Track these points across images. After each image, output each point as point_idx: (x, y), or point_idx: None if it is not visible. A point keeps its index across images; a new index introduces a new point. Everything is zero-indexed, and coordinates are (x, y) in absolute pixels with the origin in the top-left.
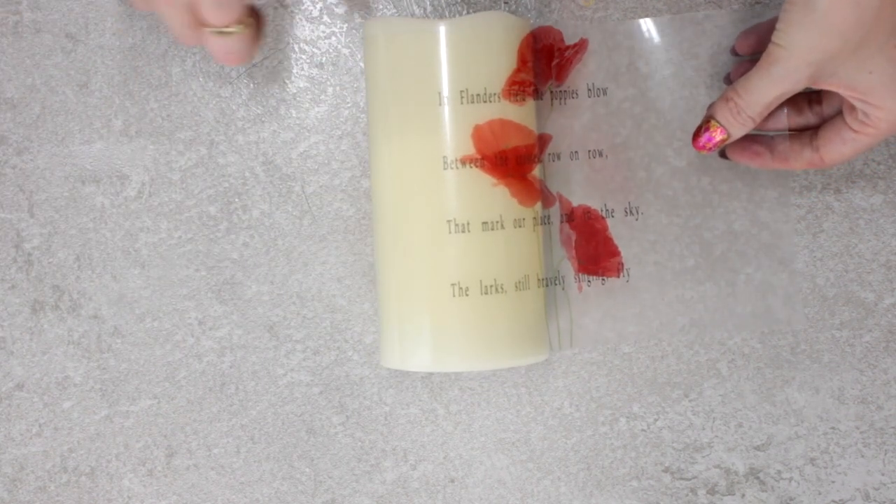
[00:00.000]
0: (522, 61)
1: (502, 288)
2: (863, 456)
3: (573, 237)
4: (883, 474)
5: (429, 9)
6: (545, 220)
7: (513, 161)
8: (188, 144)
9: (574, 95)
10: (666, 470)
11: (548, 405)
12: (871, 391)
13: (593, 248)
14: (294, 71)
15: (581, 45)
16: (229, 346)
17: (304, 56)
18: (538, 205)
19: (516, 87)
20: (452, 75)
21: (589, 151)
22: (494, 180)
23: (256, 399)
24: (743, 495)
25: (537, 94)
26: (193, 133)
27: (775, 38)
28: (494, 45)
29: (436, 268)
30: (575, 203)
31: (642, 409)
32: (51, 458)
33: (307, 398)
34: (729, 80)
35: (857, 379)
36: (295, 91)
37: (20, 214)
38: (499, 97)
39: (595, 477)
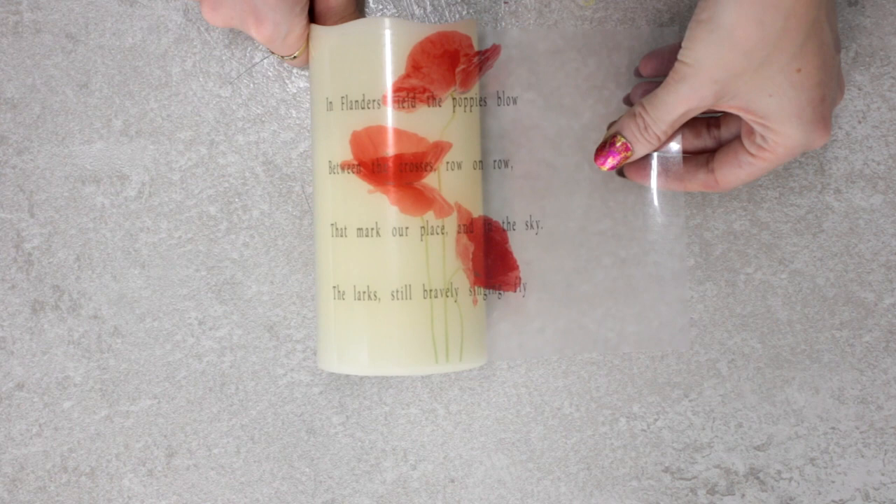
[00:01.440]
0: (414, 67)
1: (375, 295)
2: (863, 456)
3: (471, 249)
4: (883, 474)
5: (429, 9)
6: (438, 230)
7: (394, 168)
8: (188, 144)
9: (482, 103)
10: (666, 470)
11: (548, 405)
12: (871, 391)
13: (491, 261)
14: (294, 71)
15: (492, 52)
16: (229, 346)
17: None
18: (429, 214)
19: (404, 94)
20: (335, 81)
21: (494, 161)
22: (371, 187)
23: (256, 399)
24: (743, 495)
25: (434, 101)
26: (193, 133)
27: (681, 55)
28: (378, 51)
29: (323, 270)
30: (475, 214)
31: (642, 409)
32: (51, 458)
33: (307, 398)
34: (628, 101)
35: (857, 379)
36: (295, 91)
37: (20, 214)
38: (378, 104)
39: (595, 477)
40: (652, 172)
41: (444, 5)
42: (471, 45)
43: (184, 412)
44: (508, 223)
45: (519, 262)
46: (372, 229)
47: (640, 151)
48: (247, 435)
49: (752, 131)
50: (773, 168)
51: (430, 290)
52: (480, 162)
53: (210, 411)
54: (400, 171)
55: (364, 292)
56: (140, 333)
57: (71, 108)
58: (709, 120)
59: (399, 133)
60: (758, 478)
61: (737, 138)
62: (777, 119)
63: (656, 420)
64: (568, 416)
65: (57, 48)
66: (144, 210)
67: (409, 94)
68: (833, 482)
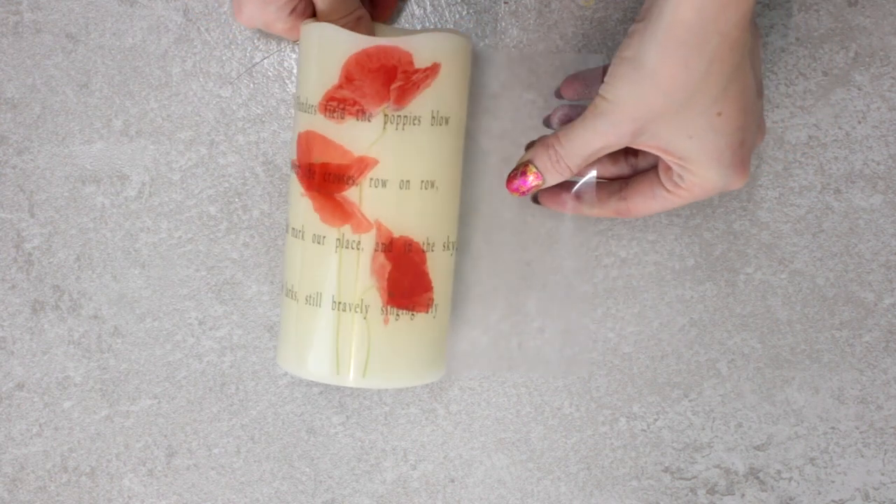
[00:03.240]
0: (346, 78)
1: (296, 296)
2: (862, 456)
3: (388, 268)
4: (883, 474)
5: (429, 9)
6: (354, 245)
7: (319, 176)
8: (188, 144)
9: (416, 122)
10: (666, 470)
11: (548, 405)
12: (871, 391)
13: (408, 282)
14: (294, 71)
15: (432, 71)
16: (229, 346)
17: None
18: (346, 227)
19: (334, 104)
20: (297, 81)
21: (422, 182)
22: (303, 190)
23: (256, 399)
24: (743, 495)
25: (364, 115)
26: (193, 133)
27: (603, 90)
28: (319, 58)
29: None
30: (396, 234)
31: (642, 409)
32: (51, 458)
33: (307, 398)
34: (548, 123)
35: (856, 379)
36: (295, 91)
37: (20, 214)
38: (315, 110)
39: (595, 477)
40: (565, 200)
41: (444, 5)
42: (410, 63)
43: (184, 412)
44: (428, 244)
45: (434, 284)
46: (300, 231)
47: (551, 181)
48: (247, 435)
49: (669, 168)
50: (688, 203)
51: (339, 303)
52: (408, 182)
53: (210, 411)
54: (323, 180)
55: (290, 290)
56: (140, 333)
57: (71, 108)
58: (627, 148)
59: (326, 142)
60: (758, 478)
61: (653, 170)
62: (696, 161)
63: (656, 420)
64: (568, 416)
65: (57, 48)
66: (144, 210)
67: (340, 104)
68: (833, 482)
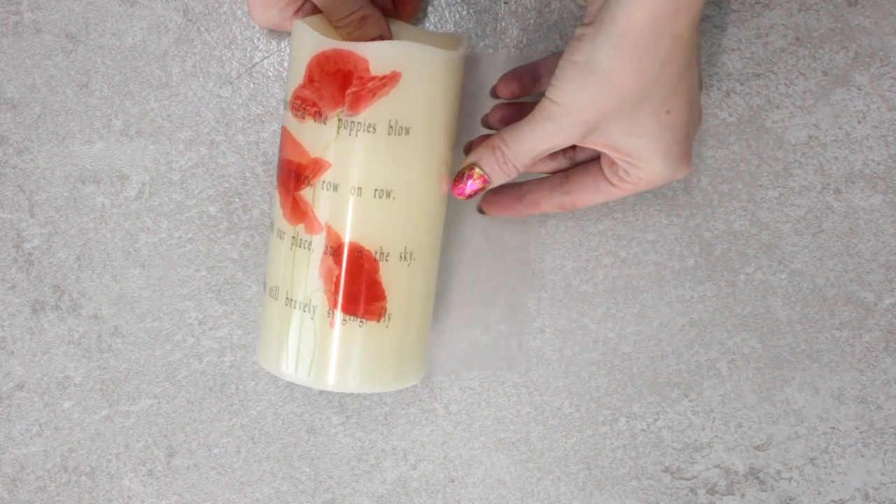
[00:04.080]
0: (308, 79)
1: (263, 286)
2: (862, 456)
3: (335, 273)
4: (883, 474)
5: (429, 9)
6: (306, 245)
7: (285, 172)
8: (188, 144)
9: (371, 129)
10: (666, 470)
11: (548, 405)
12: (871, 391)
13: (357, 289)
14: None
15: (390, 79)
16: (229, 346)
17: None
18: (300, 227)
19: (298, 102)
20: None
21: (376, 191)
22: (276, 183)
23: (256, 399)
24: (743, 495)
25: (321, 117)
26: (193, 133)
27: (551, 94)
28: (292, 56)
29: None
30: (346, 239)
31: (642, 409)
32: (51, 458)
33: (307, 398)
34: (486, 122)
35: (856, 379)
36: None
37: (20, 214)
38: (287, 106)
39: (595, 477)
40: (508, 205)
41: (444, 5)
42: (367, 69)
43: (184, 412)
44: (382, 254)
45: (388, 294)
46: (272, 223)
47: (496, 182)
48: (247, 435)
49: (614, 164)
50: (633, 194)
51: (290, 300)
52: (360, 189)
53: (210, 411)
54: (287, 177)
55: (261, 282)
56: (140, 333)
57: (71, 108)
58: None
59: (291, 140)
60: (758, 478)
61: (594, 163)
62: (643, 158)
63: (656, 420)
64: (568, 416)
65: (57, 48)
66: (144, 210)
67: (302, 104)
68: (833, 482)
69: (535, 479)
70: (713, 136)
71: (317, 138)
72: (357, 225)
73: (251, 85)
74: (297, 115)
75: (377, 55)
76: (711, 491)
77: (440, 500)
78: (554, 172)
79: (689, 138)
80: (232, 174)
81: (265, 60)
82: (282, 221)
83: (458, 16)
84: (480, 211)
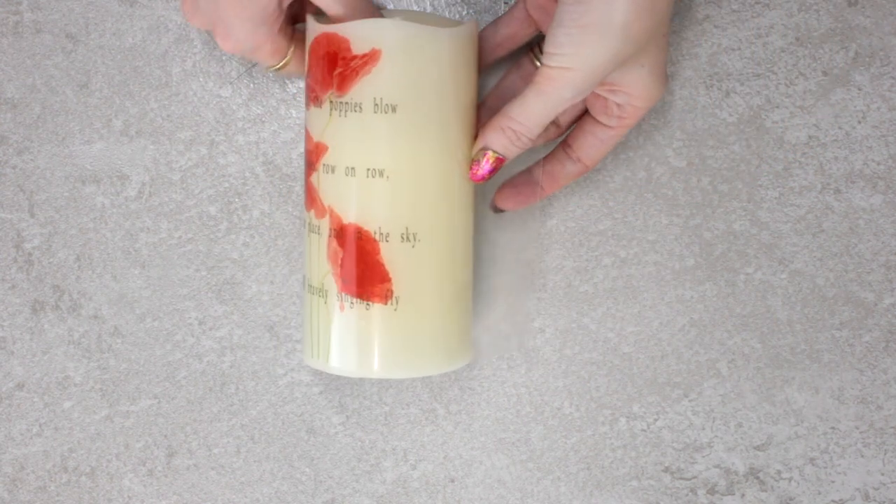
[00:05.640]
0: (309, 66)
1: (301, 280)
2: (862, 456)
3: (340, 255)
4: (883, 474)
5: (429, 9)
6: (317, 230)
7: (306, 161)
8: (188, 144)
9: (358, 109)
10: (666, 470)
11: (548, 405)
12: (871, 391)
13: (359, 271)
14: None
15: (371, 57)
16: (229, 346)
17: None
18: (312, 212)
19: (306, 91)
20: None
21: (368, 170)
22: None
23: (256, 399)
24: (743, 495)
25: (318, 102)
26: (193, 133)
27: (558, 62)
28: (306, 49)
29: None
30: (346, 220)
31: (642, 409)
32: (51, 458)
33: (307, 398)
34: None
35: (856, 379)
36: (295, 91)
37: (20, 214)
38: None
39: (595, 477)
40: (526, 194)
41: (443, 5)
42: (348, 49)
43: (184, 412)
44: (381, 234)
45: (392, 275)
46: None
47: (512, 156)
48: (247, 435)
49: (605, 104)
50: (627, 130)
51: (310, 286)
52: (353, 168)
53: (210, 411)
54: (306, 165)
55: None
56: (140, 333)
57: (71, 108)
58: None
59: (306, 128)
60: (758, 478)
61: (587, 119)
62: (643, 85)
63: (656, 420)
64: (568, 416)
65: (57, 48)
66: (144, 210)
67: (308, 91)
68: (833, 482)
69: (535, 479)
70: (713, 136)
71: (316, 122)
72: (354, 206)
73: (251, 85)
74: (306, 104)
75: (357, 34)
76: (711, 491)
77: (440, 500)
78: (547, 157)
79: (667, 51)
80: (232, 174)
81: None
82: (303, 209)
83: (457, 16)
84: (496, 210)
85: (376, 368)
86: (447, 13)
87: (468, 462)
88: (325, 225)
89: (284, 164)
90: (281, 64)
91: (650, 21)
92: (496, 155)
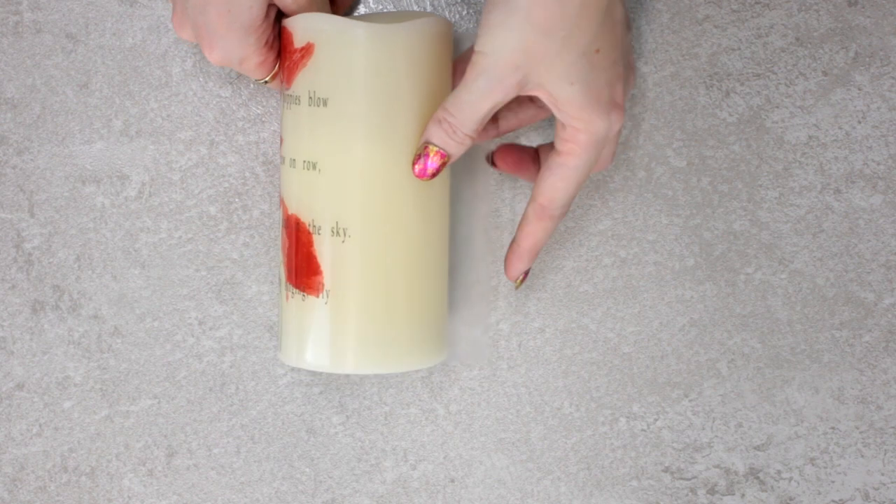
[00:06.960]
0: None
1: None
2: (862, 456)
3: (286, 245)
4: (883, 474)
5: (429, 9)
6: (279, 222)
7: None
8: (188, 144)
9: (297, 101)
10: (666, 470)
11: (548, 405)
12: (871, 391)
13: (297, 262)
14: None
15: (306, 50)
16: (229, 346)
17: None
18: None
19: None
20: None
21: (304, 162)
22: None
23: (256, 399)
24: (743, 495)
25: (280, 95)
26: (193, 133)
27: (478, 45)
28: None
29: None
30: (290, 212)
31: (642, 409)
32: (51, 458)
33: (307, 398)
34: (490, 160)
35: (856, 379)
36: None
37: (20, 214)
38: None
39: (595, 477)
40: (527, 160)
41: (443, 5)
42: (291, 42)
43: (184, 412)
44: (314, 227)
45: (323, 268)
46: None
47: (456, 154)
48: (247, 435)
49: (559, 129)
50: (584, 168)
51: (280, 279)
52: (294, 160)
53: (210, 411)
54: None
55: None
56: (140, 333)
57: (71, 108)
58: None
59: None
60: (758, 478)
61: (542, 147)
62: (578, 106)
63: (656, 420)
64: (568, 416)
65: (57, 48)
66: (144, 210)
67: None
68: (833, 482)
69: (535, 479)
70: (713, 136)
71: (279, 116)
72: (292, 197)
73: (251, 85)
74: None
75: (297, 28)
76: (711, 491)
77: (440, 500)
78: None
79: (619, 81)
80: (232, 174)
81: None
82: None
83: (457, 15)
84: (492, 164)
85: (308, 360)
86: (447, 14)
87: (468, 462)
88: (279, 215)
89: None
90: (268, 77)
91: (556, 10)
92: (436, 149)
